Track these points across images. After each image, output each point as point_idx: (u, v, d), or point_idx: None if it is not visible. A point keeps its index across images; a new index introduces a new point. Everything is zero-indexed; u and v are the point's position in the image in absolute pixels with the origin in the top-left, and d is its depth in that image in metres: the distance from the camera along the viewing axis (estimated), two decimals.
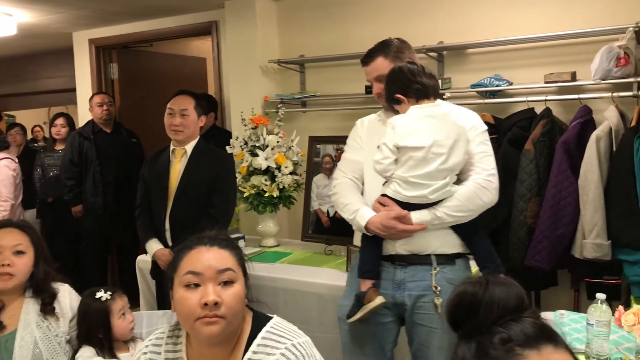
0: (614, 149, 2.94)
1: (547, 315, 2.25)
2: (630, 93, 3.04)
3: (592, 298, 3.09)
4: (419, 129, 2.07)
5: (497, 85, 3.40)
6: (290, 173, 3.51)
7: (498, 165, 3.17)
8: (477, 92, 3.49)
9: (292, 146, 3.60)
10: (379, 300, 2.13)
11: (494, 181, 2.19)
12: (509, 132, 3.23)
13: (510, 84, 3.41)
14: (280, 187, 3.49)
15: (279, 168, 3.49)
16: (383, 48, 2.32)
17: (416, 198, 2.09)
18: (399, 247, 2.17)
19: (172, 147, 3.16)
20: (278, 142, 3.53)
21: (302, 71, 4.25)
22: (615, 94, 3.06)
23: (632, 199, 2.79)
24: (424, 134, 2.06)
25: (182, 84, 4.18)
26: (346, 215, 2.25)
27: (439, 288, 2.12)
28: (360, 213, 2.18)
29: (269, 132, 3.58)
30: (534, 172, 3.07)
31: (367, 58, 2.35)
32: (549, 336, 0.93)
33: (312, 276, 2.96)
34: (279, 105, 3.96)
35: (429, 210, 2.11)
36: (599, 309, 1.87)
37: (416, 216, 2.10)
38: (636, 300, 2.75)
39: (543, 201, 3.04)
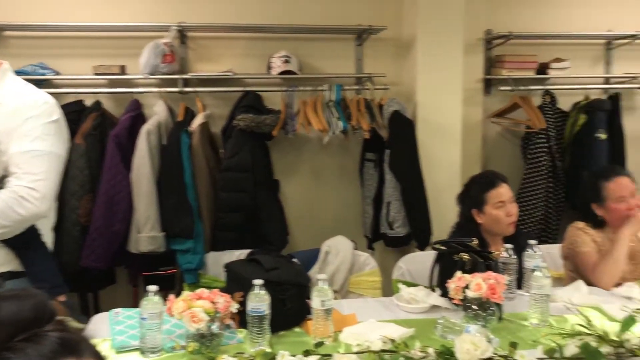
0: (164, 142, 3.02)
1: (102, 317, 2.12)
2: (176, 89, 3.17)
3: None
4: None
5: (42, 74, 3.10)
6: None
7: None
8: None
9: None
10: None
11: (40, 189, 1.81)
12: None
13: (57, 73, 3.16)
14: None
15: None
16: None
17: None
18: None
19: None
20: None
21: None
22: (163, 90, 3.15)
23: (181, 189, 2.91)
24: None
25: None
26: None
27: None
28: None
29: None
30: (86, 168, 2.90)
31: None
32: (71, 349, 0.80)
33: None
34: None
35: None
36: (151, 301, 1.83)
37: None
38: (188, 287, 2.87)
39: (97, 197, 2.90)
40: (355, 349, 1.75)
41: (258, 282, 1.88)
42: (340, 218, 3.53)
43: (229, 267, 2.18)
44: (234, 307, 1.88)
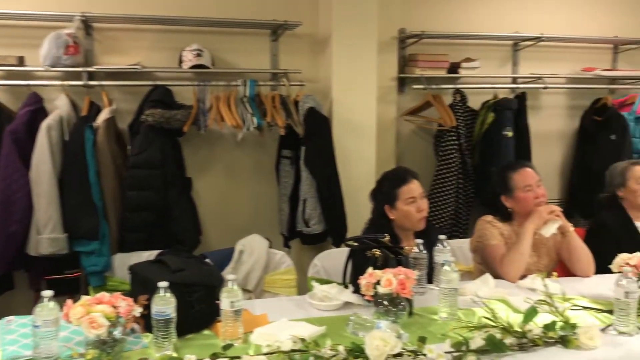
0: (67, 138, 2.85)
1: None
2: (80, 82, 3.00)
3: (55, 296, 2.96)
4: None
5: None
6: None
7: None
8: None
9: None
10: None
11: None
12: None
13: None
14: None
15: None
16: None
17: None
18: None
19: None
20: None
21: None
22: (66, 83, 2.97)
23: (85, 188, 2.76)
24: None
25: None
26: None
27: None
28: None
29: None
30: None
31: None
32: None
33: None
34: None
35: None
36: (46, 307, 1.71)
37: None
38: (94, 289, 2.73)
39: None
40: (265, 350, 1.71)
41: (163, 284, 1.79)
42: (256, 216, 3.47)
43: (134, 269, 2.08)
44: (137, 311, 1.79)
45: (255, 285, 2.74)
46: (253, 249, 2.77)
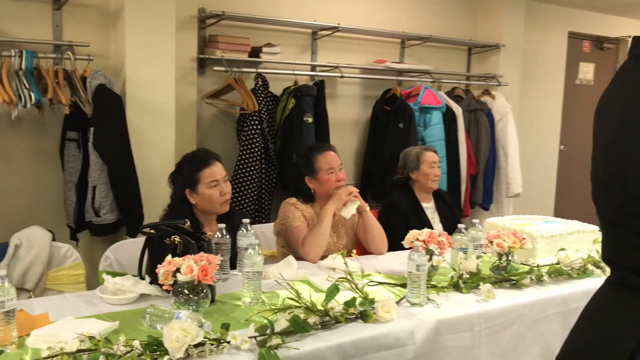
0: None
1: None
2: None
3: None
4: None
5: None
6: None
7: None
8: None
9: None
10: None
11: None
12: None
13: None
14: None
15: None
16: None
17: None
18: None
19: None
20: None
21: None
22: None
23: None
24: None
25: None
26: None
27: None
28: None
29: None
30: None
31: None
32: None
33: None
34: None
35: None
36: None
37: None
38: None
39: None
40: (45, 354, 1.48)
41: None
42: (37, 207, 3.08)
43: None
44: None
45: (36, 283, 2.42)
46: (32, 242, 2.44)
